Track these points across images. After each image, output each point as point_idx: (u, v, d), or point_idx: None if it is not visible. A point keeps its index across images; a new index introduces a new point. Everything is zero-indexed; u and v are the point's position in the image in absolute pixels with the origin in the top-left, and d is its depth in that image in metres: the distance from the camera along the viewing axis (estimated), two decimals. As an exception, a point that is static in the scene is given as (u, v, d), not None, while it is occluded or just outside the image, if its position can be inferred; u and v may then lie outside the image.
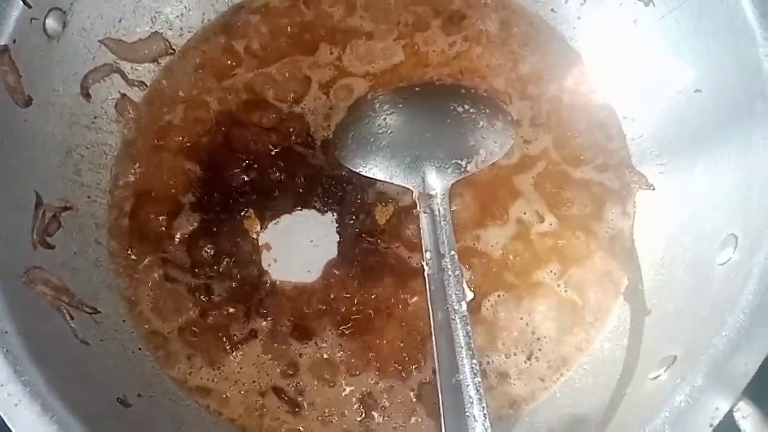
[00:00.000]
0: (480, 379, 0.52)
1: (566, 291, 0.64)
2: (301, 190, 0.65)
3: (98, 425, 0.49)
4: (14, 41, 0.55)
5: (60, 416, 0.47)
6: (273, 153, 0.66)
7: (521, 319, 0.63)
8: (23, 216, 0.56)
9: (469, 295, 0.56)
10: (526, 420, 0.61)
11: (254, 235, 0.64)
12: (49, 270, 0.56)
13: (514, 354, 0.62)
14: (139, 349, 0.62)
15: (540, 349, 0.62)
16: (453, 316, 0.55)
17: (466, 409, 0.50)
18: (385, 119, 0.65)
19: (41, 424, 0.47)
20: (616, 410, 0.54)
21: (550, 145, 0.68)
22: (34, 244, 0.57)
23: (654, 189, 0.66)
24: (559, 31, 0.71)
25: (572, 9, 0.70)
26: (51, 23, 0.58)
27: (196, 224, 0.64)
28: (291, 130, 0.66)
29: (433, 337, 0.55)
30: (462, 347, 0.53)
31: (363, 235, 0.64)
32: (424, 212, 0.61)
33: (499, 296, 0.63)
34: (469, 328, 0.54)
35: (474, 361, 0.52)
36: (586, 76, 0.70)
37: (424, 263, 0.58)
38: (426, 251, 0.59)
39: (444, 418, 0.51)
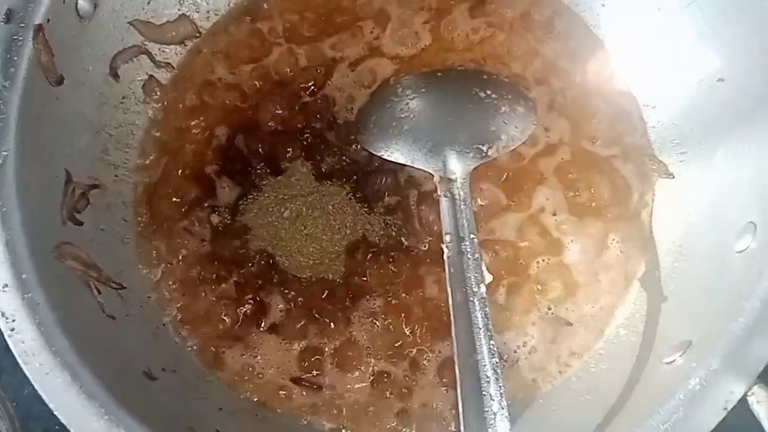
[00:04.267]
0: (497, 360, 0.52)
1: (584, 277, 0.64)
2: (324, 171, 0.66)
3: (124, 396, 0.50)
4: (48, 20, 0.56)
5: (88, 386, 0.49)
6: (300, 133, 0.67)
7: (538, 304, 0.64)
8: (53, 192, 0.58)
9: (488, 278, 0.56)
10: (540, 402, 0.62)
11: (280, 212, 0.65)
12: (78, 246, 0.58)
13: (531, 338, 0.63)
14: (164, 325, 0.63)
15: (557, 334, 0.63)
16: (472, 298, 0.55)
17: (483, 389, 0.51)
18: (407, 104, 0.66)
19: (70, 393, 0.49)
20: (631, 394, 0.55)
21: (571, 132, 0.68)
22: (63, 220, 0.58)
23: (674, 177, 0.66)
24: (583, 18, 0.71)
25: (597, -4, 0.70)
26: (83, 4, 0.59)
27: (221, 204, 0.66)
28: (317, 110, 0.67)
29: (452, 318, 0.55)
30: (480, 328, 0.54)
31: (386, 219, 0.65)
32: (445, 196, 0.61)
33: (518, 281, 0.64)
34: (487, 309, 0.55)
35: (492, 342, 0.53)
36: (608, 63, 0.70)
37: (444, 246, 0.59)
38: (446, 234, 0.59)
39: (461, 397, 0.52)
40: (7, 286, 0.50)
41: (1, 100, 0.53)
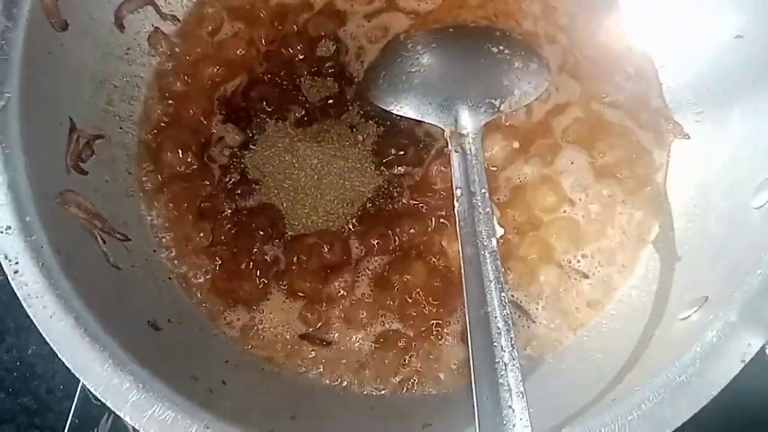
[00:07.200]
0: (508, 312, 0.51)
1: (597, 237, 0.63)
2: (335, 124, 0.65)
3: (129, 343, 0.49)
4: (52, -38, 0.55)
5: (93, 330, 0.48)
6: (310, 85, 0.66)
7: (553, 260, 0.63)
8: (58, 139, 0.57)
9: (500, 231, 0.55)
10: (549, 362, 0.61)
11: (288, 164, 0.64)
12: (83, 195, 0.57)
13: (541, 297, 0.62)
14: (169, 278, 0.62)
15: (570, 289, 0.62)
16: (482, 251, 0.54)
17: (494, 340, 0.50)
18: (417, 59, 0.64)
19: (74, 337, 0.47)
20: (645, 350, 0.54)
21: (583, 93, 0.67)
22: (67, 168, 0.57)
23: (689, 138, 0.65)
24: (597, -25, 0.70)
25: (610, -48, 0.69)
26: (87, -52, 0.58)
27: (226, 154, 0.65)
28: (329, 61, 0.66)
29: (463, 272, 0.54)
30: (491, 281, 0.53)
31: (399, 176, 0.64)
32: (456, 151, 0.60)
33: (529, 238, 0.63)
34: (498, 262, 0.53)
35: (503, 294, 0.52)
36: (623, 21, 0.68)
37: (455, 201, 0.58)
38: (457, 188, 0.58)
39: (472, 349, 0.51)
40: (9, 228, 0.49)
41: (4, 40, 0.53)
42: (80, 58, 0.60)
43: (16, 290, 0.48)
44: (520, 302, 0.62)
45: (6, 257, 0.48)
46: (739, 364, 0.46)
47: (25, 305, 0.48)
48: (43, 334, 0.48)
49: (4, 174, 0.50)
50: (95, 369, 0.47)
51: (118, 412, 0.46)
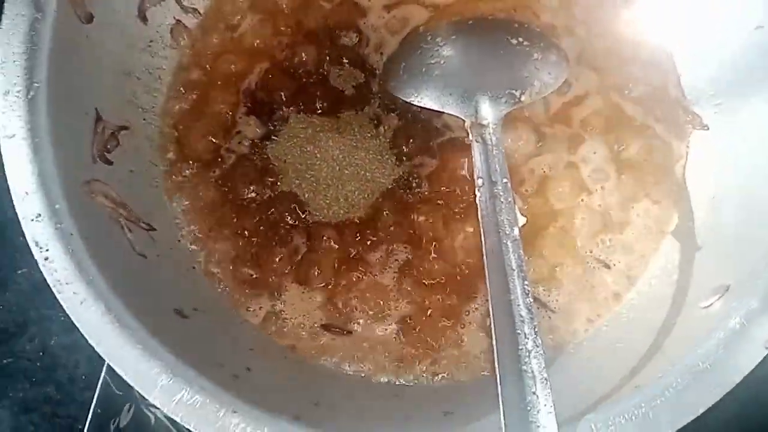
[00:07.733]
0: (531, 300, 0.52)
1: (615, 229, 0.64)
2: (357, 117, 0.66)
3: (156, 330, 0.50)
4: (77, -45, 0.56)
5: (122, 317, 0.49)
6: (331, 77, 0.67)
7: (568, 253, 0.63)
8: (84, 129, 0.57)
9: (522, 221, 0.56)
10: (570, 352, 0.61)
11: (309, 155, 0.65)
12: (108, 184, 0.57)
13: (560, 288, 0.63)
14: (193, 268, 0.63)
15: (586, 284, 0.63)
16: (505, 240, 0.54)
17: (517, 328, 0.50)
18: (437, 50, 0.65)
19: (105, 323, 0.48)
20: (666, 338, 0.54)
21: (601, 84, 0.67)
22: (93, 158, 0.58)
23: (708, 129, 0.65)
24: (615, -34, 0.70)
25: (628, -57, 0.69)
26: (110, -58, 0.59)
27: (247, 148, 0.65)
28: (350, 54, 0.67)
29: (485, 261, 0.54)
30: (513, 269, 0.53)
31: (417, 167, 0.65)
32: (476, 141, 0.60)
33: (548, 228, 0.63)
34: (521, 251, 0.54)
35: (525, 282, 0.52)
36: (640, 12, 0.68)
37: (476, 190, 0.58)
38: (478, 178, 0.58)
39: (496, 336, 0.51)
40: (40, 215, 0.50)
41: (34, 31, 0.53)
42: (105, 50, 0.61)
43: (46, 277, 0.49)
44: (538, 294, 0.63)
45: (37, 244, 0.49)
46: (763, 350, 0.46)
47: (55, 291, 0.49)
48: (73, 320, 0.48)
49: (33, 163, 0.51)
50: (124, 354, 0.48)
51: (147, 397, 0.47)
